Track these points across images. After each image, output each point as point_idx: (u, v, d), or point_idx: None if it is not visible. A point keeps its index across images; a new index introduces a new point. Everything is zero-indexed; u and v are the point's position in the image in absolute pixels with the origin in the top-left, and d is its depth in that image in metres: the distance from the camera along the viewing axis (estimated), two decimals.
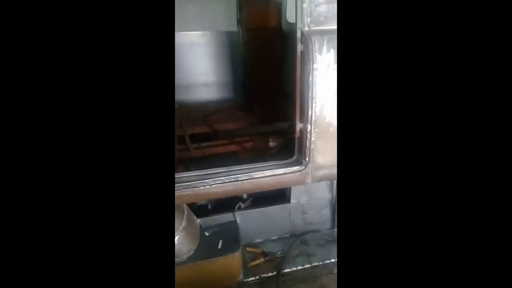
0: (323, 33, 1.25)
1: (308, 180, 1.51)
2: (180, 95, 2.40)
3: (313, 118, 1.36)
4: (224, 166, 1.43)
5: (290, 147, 1.52)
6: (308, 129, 1.38)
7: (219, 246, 1.47)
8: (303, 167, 1.46)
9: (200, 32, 2.42)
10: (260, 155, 1.81)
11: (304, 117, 1.37)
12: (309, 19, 1.23)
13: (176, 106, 2.25)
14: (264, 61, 2.24)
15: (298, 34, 1.25)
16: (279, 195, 1.78)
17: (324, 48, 1.26)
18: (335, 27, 1.26)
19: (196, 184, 1.36)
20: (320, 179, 1.57)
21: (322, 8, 1.23)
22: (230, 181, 1.40)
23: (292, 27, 1.27)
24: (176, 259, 1.35)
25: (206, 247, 1.46)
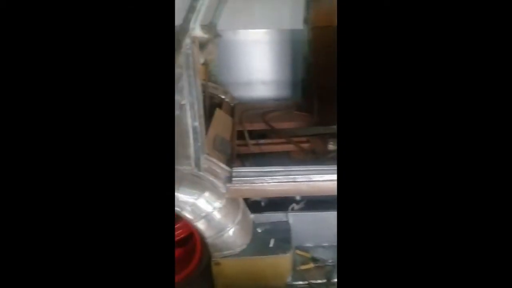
0: None
1: None
2: (240, 92, 2.46)
3: None
4: (279, 165, 1.42)
5: None
6: None
7: (271, 245, 1.47)
8: None
9: (265, 30, 2.44)
10: (317, 158, 1.75)
11: None
12: None
13: (236, 101, 2.32)
14: (328, 60, 2.16)
15: None
16: (335, 201, 1.70)
17: None
18: None
19: (254, 180, 1.37)
20: None
21: None
22: (288, 181, 1.38)
23: None
24: (230, 251, 1.39)
25: (258, 244, 1.47)
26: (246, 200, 1.57)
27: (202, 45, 1.37)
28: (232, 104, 2.23)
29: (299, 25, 2.29)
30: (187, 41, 1.10)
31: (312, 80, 2.24)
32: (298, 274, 1.56)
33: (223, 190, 1.33)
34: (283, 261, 1.44)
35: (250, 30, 2.46)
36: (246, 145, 1.86)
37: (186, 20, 1.10)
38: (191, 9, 1.09)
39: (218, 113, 1.83)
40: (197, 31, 1.10)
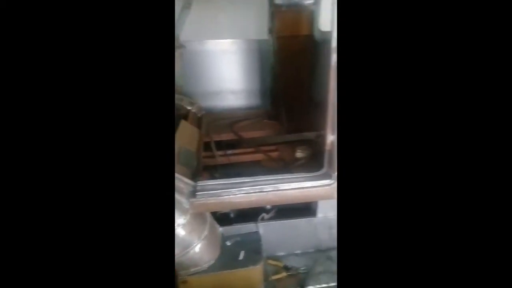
0: None
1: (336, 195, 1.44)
2: (208, 102, 2.43)
3: None
4: (249, 175, 1.41)
5: (318, 159, 1.47)
6: None
7: (241, 257, 1.43)
8: (332, 181, 1.39)
9: (231, 40, 2.45)
10: (286, 166, 1.76)
11: (335, 130, 1.31)
12: None
13: (203, 112, 2.29)
14: (294, 69, 2.21)
15: (333, 44, 1.20)
16: (305, 208, 1.71)
17: None
18: None
19: (220, 193, 1.34)
20: None
21: None
22: (255, 192, 1.37)
23: (325, 36, 1.23)
24: (197, 268, 1.34)
25: (227, 257, 1.43)
26: (214, 213, 1.53)
27: None
28: (199, 115, 2.19)
29: (264, 35, 2.33)
30: None
31: (279, 89, 2.28)
32: (270, 284, 1.54)
33: (186, 205, 1.28)
34: (253, 273, 1.42)
35: (216, 40, 2.45)
36: (213, 156, 1.83)
37: None
38: None
39: (183, 124, 1.79)
40: None
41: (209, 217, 1.44)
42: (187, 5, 1.92)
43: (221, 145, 1.93)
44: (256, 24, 2.42)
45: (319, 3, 2.06)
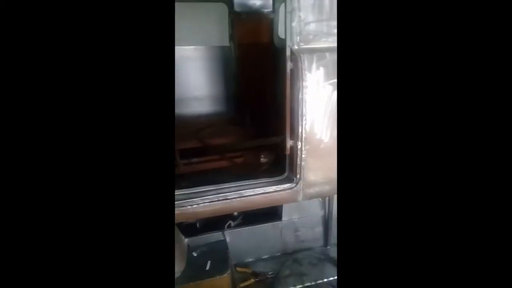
0: (312, 51, 1.25)
1: (300, 197, 1.48)
2: None
3: (304, 135, 1.35)
4: (214, 183, 1.40)
5: (281, 163, 1.50)
6: (299, 146, 1.36)
7: (207, 267, 1.41)
8: (294, 185, 1.43)
9: (193, 46, 2.43)
10: (251, 171, 1.78)
11: (294, 134, 1.36)
12: (298, 37, 1.23)
13: None
14: (256, 75, 2.25)
15: (288, 53, 1.25)
16: (270, 213, 1.74)
17: (314, 66, 1.26)
18: (324, 45, 1.27)
19: (183, 204, 1.32)
20: (311, 197, 1.54)
21: (311, 26, 1.24)
22: (219, 200, 1.36)
23: (284, 43, 1.28)
24: None
25: (194, 269, 1.41)
26: (179, 224, 1.50)
27: None
28: None
29: (226, 41, 2.34)
30: None
31: (243, 95, 2.30)
32: None
33: None
34: (221, 282, 1.40)
35: (178, 47, 2.41)
36: (177, 165, 1.78)
37: None
38: None
39: None
40: None
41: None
42: None
43: (185, 154, 1.89)
44: (218, 31, 2.43)
45: (278, 11, 2.13)
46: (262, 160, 1.80)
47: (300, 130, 1.34)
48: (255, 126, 2.17)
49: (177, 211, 1.31)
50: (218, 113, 2.53)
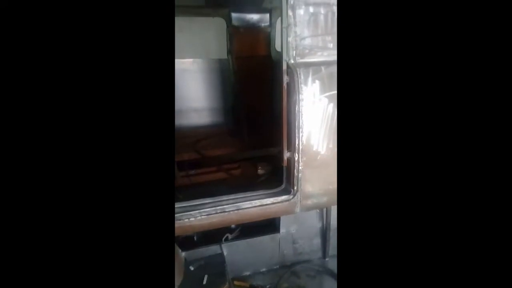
0: (308, 65, 1.28)
1: (297, 209, 1.48)
2: None
3: (300, 147, 1.36)
4: (212, 195, 1.39)
5: (279, 174, 1.51)
6: (296, 158, 1.37)
7: (204, 282, 1.39)
8: (291, 196, 1.43)
9: (192, 59, 2.47)
10: (248, 183, 1.78)
11: (291, 146, 1.37)
12: (294, 52, 1.26)
13: None
14: (253, 87, 2.28)
15: (284, 67, 1.28)
16: (268, 225, 1.73)
17: (310, 79, 1.28)
18: (319, 59, 1.30)
19: (180, 217, 1.31)
20: (309, 208, 1.53)
21: (307, 41, 1.27)
22: (217, 213, 1.36)
23: (280, 56, 1.30)
24: None
25: (191, 283, 1.38)
26: (176, 237, 1.48)
27: None
28: None
29: (224, 54, 2.38)
30: None
31: (241, 106, 2.32)
32: None
33: None
34: None
35: (178, 60, 2.45)
36: (174, 177, 1.78)
37: None
38: None
39: None
40: None
41: None
42: None
43: (183, 165, 1.89)
44: (216, 44, 2.47)
45: (275, 25, 2.18)
46: (260, 171, 1.80)
47: (297, 142, 1.35)
48: (253, 137, 2.19)
49: (175, 224, 1.30)
50: (216, 124, 2.55)
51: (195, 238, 1.62)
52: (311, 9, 1.25)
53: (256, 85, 2.25)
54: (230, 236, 1.61)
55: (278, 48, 2.15)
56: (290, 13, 1.22)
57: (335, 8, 1.27)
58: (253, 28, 2.20)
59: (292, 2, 1.21)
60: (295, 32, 1.24)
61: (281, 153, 1.41)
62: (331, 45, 1.29)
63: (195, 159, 2.01)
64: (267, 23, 2.21)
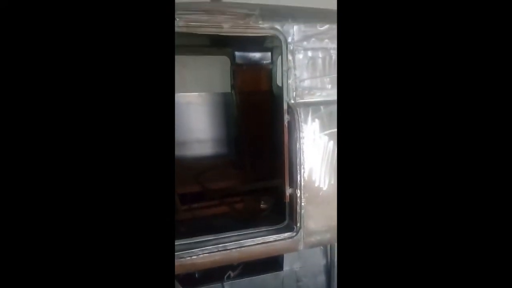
0: (307, 105, 1.33)
1: (300, 246, 1.45)
2: (175, 152, 2.44)
3: (302, 184, 1.37)
4: (213, 230, 1.39)
5: (281, 209, 1.50)
6: (298, 194, 1.38)
7: None
8: (294, 233, 1.42)
9: (197, 93, 2.57)
10: (251, 217, 1.77)
11: (293, 183, 1.38)
12: (294, 93, 1.32)
13: None
14: (255, 120, 2.35)
15: (285, 106, 1.33)
16: (271, 262, 1.69)
17: (309, 118, 1.33)
18: (318, 99, 1.36)
19: (182, 255, 1.29)
20: (312, 245, 1.51)
21: (306, 83, 1.34)
22: (219, 250, 1.34)
23: (281, 91, 1.37)
24: None
25: None
26: (177, 275, 1.45)
27: None
28: None
29: (228, 88, 2.48)
30: None
31: (244, 139, 2.38)
32: None
33: None
34: None
35: (183, 94, 2.56)
36: (177, 211, 1.78)
37: None
38: None
39: None
40: None
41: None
42: None
43: (186, 198, 1.90)
44: (220, 79, 2.59)
45: (276, 62, 2.30)
46: (262, 206, 1.80)
47: (298, 178, 1.36)
48: (255, 169, 2.21)
49: (176, 262, 1.28)
50: (219, 156, 2.58)
51: (196, 276, 1.58)
52: (309, 53, 1.33)
53: (258, 118, 2.32)
54: (232, 274, 1.57)
55: (279, 83, 2.25)
56: (290, 57, 1.30)
57: (332, 52, 1.35)
58: (255, 65, 2.31)
59: (291, 48, 1.30)
60: (295, 74, 1.31)
61: (283, 186, 1.42)
62: (329, 86, 1.36)
63: (197, 192, 2.02)
64: (269, 61, 2.33)
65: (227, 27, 1.22)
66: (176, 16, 1.14)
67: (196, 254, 1.31)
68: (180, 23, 1.17)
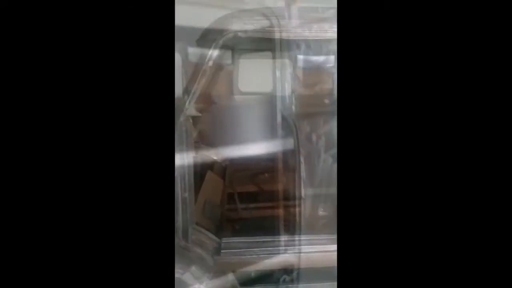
0: None
1: None
2: (232, 152, 2.53)
3: None
4: (269, 232, 1.40)
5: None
6: None
7: None
8: None
9: (256, 95, 2.63)
10: (308, 223, 1.73)
11: None
12: None
13: (227, 162, 2.36)
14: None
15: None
16: (328, 272, 1.63)
17: None
18: None
19: (243, 252, 1.33)
20: None
21: None
22: (279, 253, 1.35)
23: None
24: None
25: None
26: (234, 271, 1.50)
27: (196, 119, 1.47)
28: (223, 165, 2.26)
29: (287, 91, 2.49)
30: (181, 119, 1.19)
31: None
32: None
33: (211, 263, 1.28)
34: None
35: (242, 96, 2.64)
36: (235, 209, 1.84)
37: (182, 101, 1.20)
38: (186, 91, 1.20)
39: (209, 176, 1.85)
40: (191, 111, 1.20)
41: (231, 276, 1.41)
42: (220, 68, 2.13)
43: (243, 197, 1.95)
44: (280, 82, 2.61)
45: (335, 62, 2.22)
46: (321, 213, 1.75)
47: None
48: (312, 175, 2.15)
49: (236, 259, 1.33)
50: (275, 159, 2.59)
51: (252, 275, 1.61)
52: None
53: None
54: (287, 279, 1.56)
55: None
56: None
57: None
58: (317, 68, 2.27)
59: None
60: None
61: None
62: None
63: (254, 192, 2.06)
64: (332, 64, 2.26)
65: (299, 31, 1.22)
66: (248, 21, 1.18)
67: (257, 253, 1.34)
68: (254, 27, 1.21)
